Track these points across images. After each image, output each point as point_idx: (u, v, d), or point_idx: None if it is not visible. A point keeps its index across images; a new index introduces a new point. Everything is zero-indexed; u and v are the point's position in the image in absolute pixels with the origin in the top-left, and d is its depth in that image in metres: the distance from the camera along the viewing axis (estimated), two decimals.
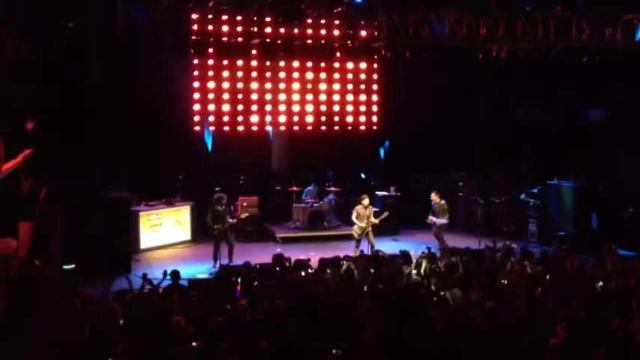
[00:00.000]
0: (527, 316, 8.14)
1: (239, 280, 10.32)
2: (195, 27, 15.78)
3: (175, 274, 10.57)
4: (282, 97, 17.96)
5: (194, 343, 7.47)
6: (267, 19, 15.88)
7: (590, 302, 8.80)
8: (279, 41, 16.33)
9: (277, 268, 11.47)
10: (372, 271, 11.15)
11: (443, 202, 15.44)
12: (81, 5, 13.27)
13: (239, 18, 15.83)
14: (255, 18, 15.74)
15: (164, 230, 16.14)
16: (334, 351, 7.09)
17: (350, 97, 18.68)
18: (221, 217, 14.23)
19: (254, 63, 17.53)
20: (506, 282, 10.37)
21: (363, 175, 19.07)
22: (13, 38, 6.49)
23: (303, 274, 11.04)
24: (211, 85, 17.40)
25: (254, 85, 17.70)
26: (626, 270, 10.74)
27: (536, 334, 7.33)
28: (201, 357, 7.19)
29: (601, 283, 9.99)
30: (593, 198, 16.25)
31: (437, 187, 16.95)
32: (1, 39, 5.86)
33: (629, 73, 16.22)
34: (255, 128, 17.86)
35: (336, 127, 18.62)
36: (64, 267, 10.47)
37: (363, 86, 18.77)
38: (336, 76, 18.40)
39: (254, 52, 16.78)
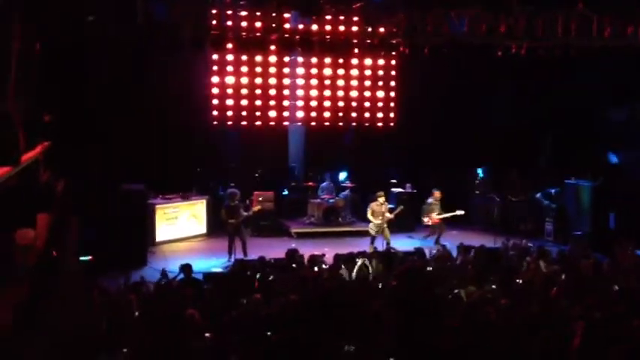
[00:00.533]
0: (542, 315, 8.10)
1: (255, 275, 10.38)
2: (214, 22, 15.82)
3: (187, 268, 10.63)
4: (299, 92, 17.98)
5: (207, 334, 7.52)
6: (286, 15, 15.89)
7: (606, 302, 8.73)
8: (297, 37, 16.34)
9: (292, 264, 11.50)
10: (385, 267, 11.12)
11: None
12: (101, 0, 13.35)
13: (258, 13, 15.86)
14: (274, 14, 15.75)
15: (180, 224, 16.26)
16: (346, 347, 7.09)
17: (368, 93, 18.66)
18: (234, 213, 14.33)
19: (272, 58, 17.56)
20: (521, 281, 10.32)
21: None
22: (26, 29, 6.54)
23: (316, 269, 11.06)
24: (230, 80, 17.45)
25: (272, 81, 17.73)
26: None
27: (551, 333, 7.29)
28: (214, 350, 7.24)
29: (617, 285, 9.90)
30: (611, 198, 16.10)
31: (453, 184, 17.00)
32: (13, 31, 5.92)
33: None
34: (272, 123, 17.90)
35: (354, 124, 18.62)
36: (81, 258, 10.57)
37: (380, 82, 18.74)
38: (354, 72, 18.38)
39: (272, 47, 16.81)
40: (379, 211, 14.68)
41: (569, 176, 17.02)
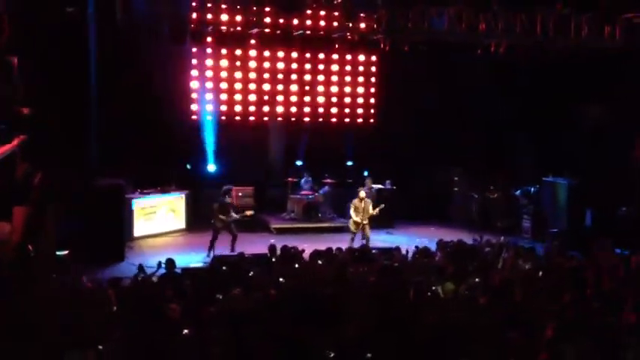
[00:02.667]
0: (519, 312, 8.16)
1: (233, 270, 10.35)
2: (194, 15, 15.73)
3: (170, 263, 10.57)
4: (279, 87, 17.93)
5: (186, 331, 7.48)
6: (267, 9, 15.85)
7: (582, 300, 8.82)
8: (278, 31, 16.29)
9: (272, 259, 11.49)
10: (361, 264, 11.13)
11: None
12: None
13: (238, 7, 15.79)
14: (255, 8, 15.70)
15: (158, 218, 16.16)
16: (326, 352, 7.04)
17: (348, 89, 18.65)
18: (227, 209, 14.25)
19: (253, 53, 17.48)
20: (498, 278, 10.37)
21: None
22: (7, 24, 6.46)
23: (296, 265, 11.05)
24: (209, 74, 17.35)
25: (252, 75, 17.65)
26: (618, 268, 10.77)
27: (527, 330, 7.35)
28: (192, 345, 7.21)
29: (593, 283, 10.01)
30: (588, 196, 16.27)
31: (432, 180, 16.99)
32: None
33: (625, 70, 16.23)
34: (252, 118, 17.84)
35: (333, 119, 18.61)
36: (58, 253, 10.48)
37: (361, 78, 18.74)
38: (335, 67, 18.36)
39: (253, 41, 16.75)
40: (361, 207, 14.65)
41: (546, 174, 17.18)
